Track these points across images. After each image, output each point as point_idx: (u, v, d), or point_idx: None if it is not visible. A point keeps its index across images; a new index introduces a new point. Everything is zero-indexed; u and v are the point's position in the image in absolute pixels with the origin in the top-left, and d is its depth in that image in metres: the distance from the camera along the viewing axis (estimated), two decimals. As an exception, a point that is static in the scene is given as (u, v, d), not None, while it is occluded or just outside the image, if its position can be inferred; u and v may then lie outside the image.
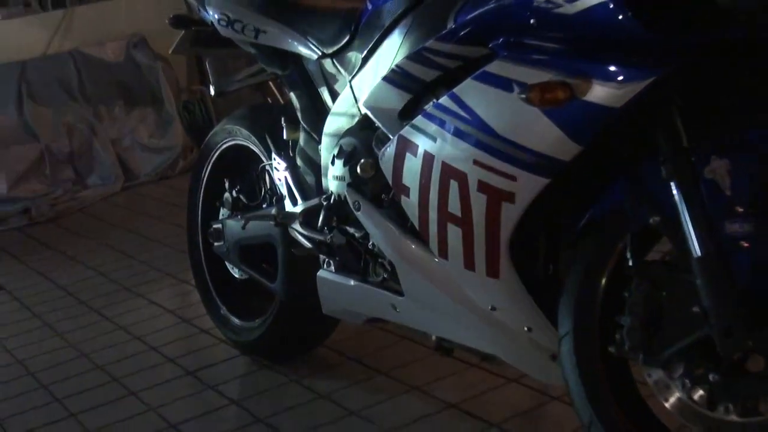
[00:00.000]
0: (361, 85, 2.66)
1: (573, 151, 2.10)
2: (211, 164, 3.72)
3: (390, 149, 2.52)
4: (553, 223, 2.39)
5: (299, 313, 3.32)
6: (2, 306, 5.05)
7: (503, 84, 2.16)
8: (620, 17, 1.94)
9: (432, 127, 2.37)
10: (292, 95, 3.19)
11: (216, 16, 3.30)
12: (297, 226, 3.12)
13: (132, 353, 4.00)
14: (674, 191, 2.03)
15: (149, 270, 5.11)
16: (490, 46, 2.19)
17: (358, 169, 2.70)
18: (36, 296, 5.10)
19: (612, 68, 2.01)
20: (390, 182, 2.55)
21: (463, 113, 2.27)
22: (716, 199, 1.99)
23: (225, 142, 3.63)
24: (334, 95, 2.96)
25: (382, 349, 3.52)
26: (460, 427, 2.95)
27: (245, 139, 3.48)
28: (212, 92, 3.66)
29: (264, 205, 3.41)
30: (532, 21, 2.09)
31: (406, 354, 3.40)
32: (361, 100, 2.65)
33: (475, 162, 2.26)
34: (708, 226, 1.99)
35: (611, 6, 1.94)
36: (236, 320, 3.69)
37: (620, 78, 2.00)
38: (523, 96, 2.07)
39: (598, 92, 2.02)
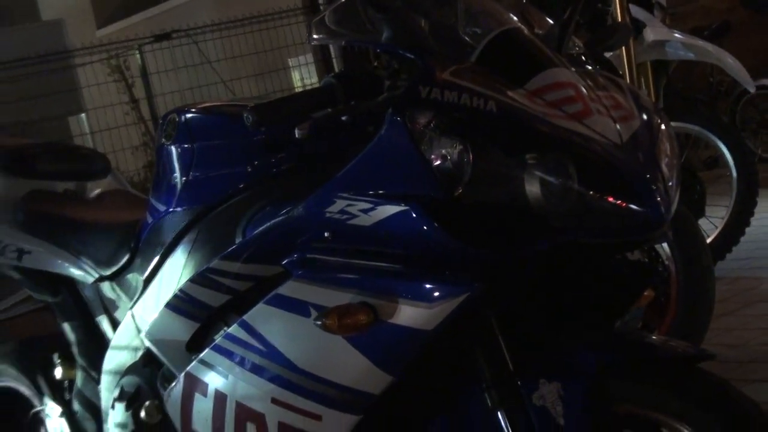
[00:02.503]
0: (143, 313, 2.60)
1: (383, 382, 2.13)
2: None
3: (176, 389, 2.47)
4: None
5: None
6: None
7: (299, 308, 2.17)
8: (424, 227, 2.00)
9: (222, 362, 2.34)
10: (66, 326, 3.12)
11: None
12: None
13: None
14: (501, 422, 2.08)
15: None
16: (283, 263, 2.21)
17: (142, 414, 2.66)
18: None
19: (419, 285, 2.07)
20: (178, 428, 2.49)
21: (256, 344, 2.26)
22: (548, 429, 2.04)
23: None
24: (115, 325, 2.89)
25: None
26: None
27: (14, 380, 3.38)
28: (-28, 327, 3.60)
29: None
30: (326, 234, 2.13)
31: None
32: (144, 330, 2.59)
33: (274, 401, 2.24)
34: None
35: (412, 215, 1.99)
36: None
37: (430, 296, 2.05)
38: (320, 323, 2.08)
39: (406, 313, 2.06)
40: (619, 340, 2.17)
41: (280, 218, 2.22)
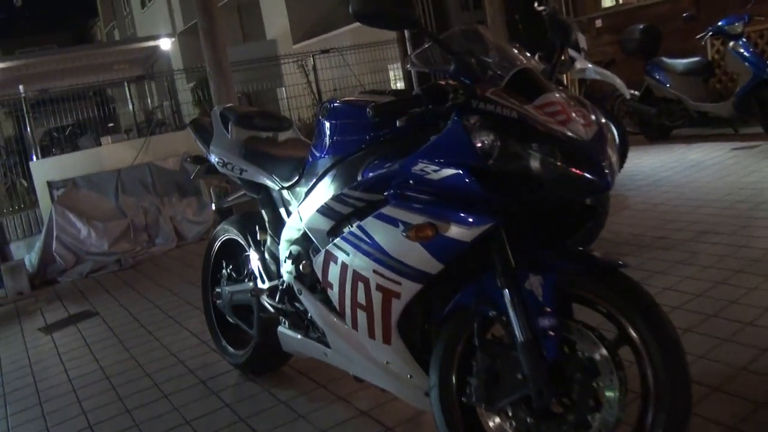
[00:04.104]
0: (304, 211, 2.36)
1: (438, 267, 1.90)
2: (215, 250, 3.34)
3: (320, 258, 2.24)
4: (427, 308, 2.11)
5: (267, 349, 2.96)
6: (96, 327, 4.72)
7: (392, 222, 1.93)
8: (468, 183, 1.75)
9: (347, 247, 2.11)
10: (263, 211, 2.88)
11: (215, 160, 2.98)
12: (265, 297, 2.78)
13: (168, 365, 3.69)
14: (506, 297, 1.83)
15: (185, 304, 4.79)
16: (384, 194, 1.95)
17: (301, 268, 2.47)
18: (116, 321, 4.77)
19: (464, 215, 1.81)
20: (320, 279, 2.21)
21: (366, 239, 2.03)
22: (533, 303, 1.79)
23: (224, 236, 3.27)
24: (289, 214, 2.67)
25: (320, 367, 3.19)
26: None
27: (236, 235, 3.16)
28: (212, 208, 3.33)
29: (246, 280, 3.03)
30: (411, 181, 1.87)
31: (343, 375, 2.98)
32: (304, 221, 2.32)
33: (374, 271, 2.03)
34: (527, 322, 1.80)
35: (463, 177, 1.75)
36: (231, 349, 3.34)
37: (469, 222, 1.80)
38: (404, 234, 1.85)
39: (454, 231, 1.82)
40: (574, 251, 1.86)
41: (385, 171, 1.94)
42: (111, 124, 12.09)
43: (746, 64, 6.55)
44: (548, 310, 1.75)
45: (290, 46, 14.86)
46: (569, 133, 1.70)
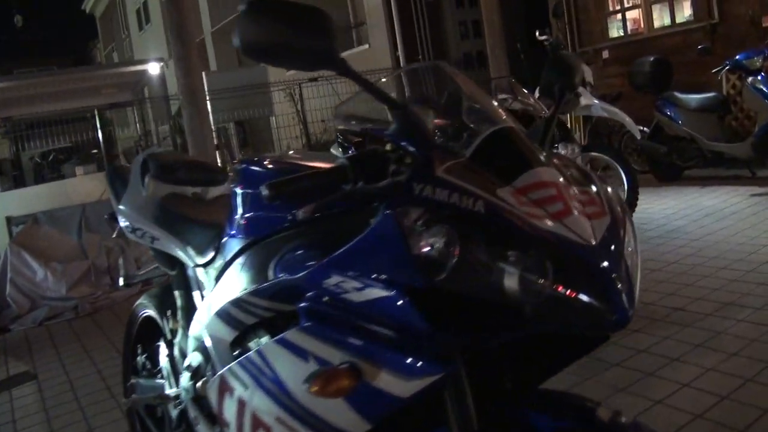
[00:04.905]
0: (208, 308, 1.68)
1: (364, 428, 1.22)
2: (136, 328, 2.69)
3: (214, 385, 1.55)
4: None
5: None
6: (30, 396, 4.07)
7: (300, 353, 1.27)
8: (405, 313, 1.11)
9: (245, 377, 1.42)
10: (176, 293, 2.23)
11: (123, 223, 2.35)
12: (171, 407, 2.13)
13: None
14: None
15: (129, 371, 4.07)
16: (296, 306, 1.28)
17: (198, 385, 1.76)
18: (52, 390, 4.10)
19: (401, 358, 1.16)
20: (215, 411, 1.56)
21: (268, 371, 1.35)
22: None
23: (144, 313, 2.62)
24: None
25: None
26: None
27: (154, 314, 2.48)
28: (120, 283, 2.70)
29: (159, 376, 2.39)
30: (325, 298, 1.21)
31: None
32: (204, 323, 1.66)
33: (278, 419, 1.33)
34: None
35: (396, 301, 1.11)
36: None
37: (409, 370, 1.15)
38: (306, 387, 1.18)
39: (387, 381, 1.16)
40: (564, 404, 1.24)
41: (293, 278, 1.29)
42: (95, 151, 11.53)
43: (766, 101, 6.01)
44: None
45: (283, 72, 14.34)
46: (567, 234, 1.08)
